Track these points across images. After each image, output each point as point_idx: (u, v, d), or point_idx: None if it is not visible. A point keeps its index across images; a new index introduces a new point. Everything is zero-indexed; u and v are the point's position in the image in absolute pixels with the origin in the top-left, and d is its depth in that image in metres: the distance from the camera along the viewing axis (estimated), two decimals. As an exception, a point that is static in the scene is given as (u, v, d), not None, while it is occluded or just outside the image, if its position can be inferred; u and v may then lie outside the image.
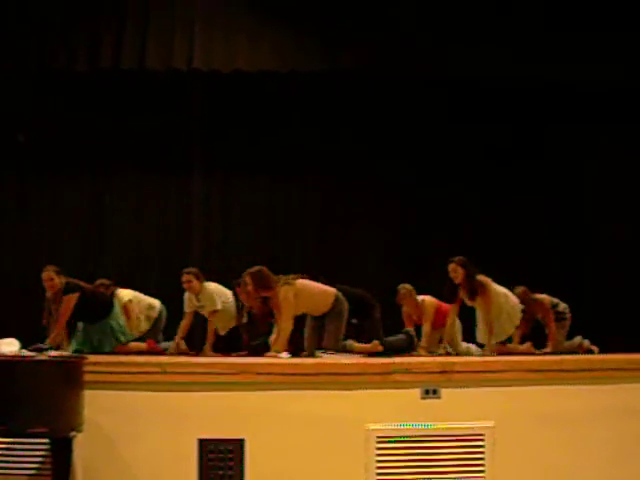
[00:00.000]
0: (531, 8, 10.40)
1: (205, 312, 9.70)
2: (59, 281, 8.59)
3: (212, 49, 10.42)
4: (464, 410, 6.30)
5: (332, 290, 8.57)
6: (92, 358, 6.24)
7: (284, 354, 7.63)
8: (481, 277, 9.12)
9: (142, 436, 6.15)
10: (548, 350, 9.64)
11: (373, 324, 9.26)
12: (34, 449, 6.01)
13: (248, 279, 8.52)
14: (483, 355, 8.90)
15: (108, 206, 11.80)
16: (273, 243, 11.74)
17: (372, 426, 6.21)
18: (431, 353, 9.23)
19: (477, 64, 10.39)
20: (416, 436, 6.22)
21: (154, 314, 9.78)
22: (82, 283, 8.79)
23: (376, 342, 8.96)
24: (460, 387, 6.30)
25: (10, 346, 5.50)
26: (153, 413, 6.16)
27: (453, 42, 10.34)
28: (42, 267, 8.76)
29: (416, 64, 10.45)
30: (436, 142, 11.61)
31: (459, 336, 9.74)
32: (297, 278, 8.46)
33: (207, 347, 9.45)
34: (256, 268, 8.56)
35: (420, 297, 9.89)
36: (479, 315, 9.28)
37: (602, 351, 9.57)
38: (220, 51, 10.43)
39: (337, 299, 8.50)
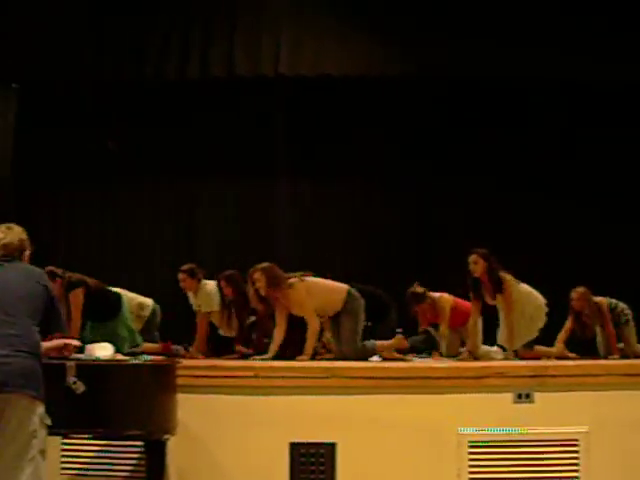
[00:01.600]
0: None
1: (201, 312, 9.19)
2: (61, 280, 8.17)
3: (299, 53, 10.49)
4: (558, 415, 6.22)
5: (344, 287, 8.19)
6: (186, 362, 6.32)
7: (374, 356, 7.45)
8: (503, 273, 8.50)
9: (234, 440, 6.20)
10: (615, 355, 9.02)
11: (389, 326, 8.78)
12: (129, 451, 6.12)
13: (259, 276, 8.05)
14: (506, 359, 8.26)
15: (198, 210, 11.97)
16: (357, 245, 11.74)
17: (464, 430, 6.17)
18: (451, 357, 8.64)
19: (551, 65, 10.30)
20: (509, 441, 6.15)
21: (146, 313, 9.35)
22: (87, 278, 8.48)
23: (399, 336, 8.41)
24: (554, 391, 6.23)
25: (104, 350, 5.56)
26: (245, 417, 6.20)
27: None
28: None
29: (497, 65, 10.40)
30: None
31: (479, 338, 8.89)
32: (304, 276, 8.13)
33: (194, 349, 8.90)
34: (267, 264, 8.12)
35: (436, 294, 9.33)
36: (501, 315, 8.62)
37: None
38: (308, 55, 10.51)
39: (350, 295, 8.12)
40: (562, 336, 9.09)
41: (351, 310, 8.08)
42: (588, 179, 11.25)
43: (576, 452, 6.14)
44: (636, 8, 10.12)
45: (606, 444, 6.16)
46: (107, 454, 6.22)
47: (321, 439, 6.16)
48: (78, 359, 5.20)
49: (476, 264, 8.44)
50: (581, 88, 10.82)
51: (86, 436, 5.87)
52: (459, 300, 9.27)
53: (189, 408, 6.03)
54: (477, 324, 8.66)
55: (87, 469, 6.29)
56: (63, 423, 4.91)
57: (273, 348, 7.89)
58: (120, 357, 5.72)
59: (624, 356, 8.91)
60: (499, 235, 10.59)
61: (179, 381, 5.90)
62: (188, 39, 10.53)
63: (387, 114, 11.43)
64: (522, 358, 8.23)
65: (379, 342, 8.29)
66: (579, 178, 11.27)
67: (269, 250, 10.37)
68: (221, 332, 9.23)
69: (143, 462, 5.95)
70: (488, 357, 8.42)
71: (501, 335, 8.59)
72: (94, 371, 5.19)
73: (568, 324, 9.16)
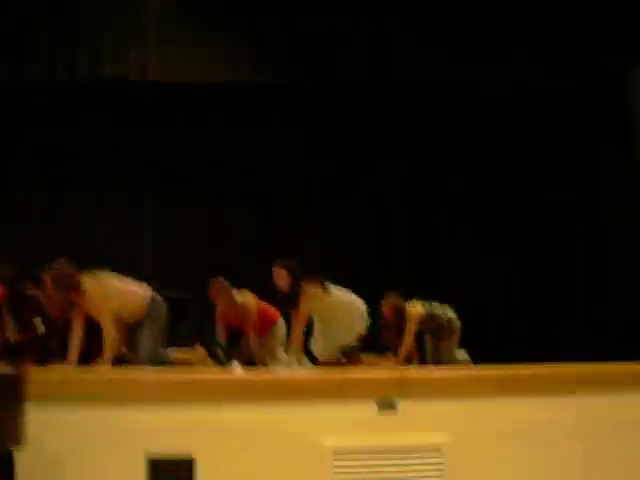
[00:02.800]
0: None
1: None
2: None
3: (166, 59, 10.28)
4: (421, 423, 6.10)
5: (145, 291, 7.68)
6: (35, 373, 5.98)
7: (238, 368, 7.11)
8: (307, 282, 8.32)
9: (90, 455, 5.88)
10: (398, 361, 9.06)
11: (192, 327, 8.59)
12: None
13: (46, 278, 7.40)
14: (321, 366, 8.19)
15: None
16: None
17: (328, 440, 6.01)
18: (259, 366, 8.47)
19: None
20: (373, 450, 6.01)
21: None
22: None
23: (197, 346, 8.15)
24: (417, 399, 6.12)
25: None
26: (98, 429, 5.90)
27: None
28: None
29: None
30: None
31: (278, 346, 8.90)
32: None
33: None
34: (57, 265, 7.44)
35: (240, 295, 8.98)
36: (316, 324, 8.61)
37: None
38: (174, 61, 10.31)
39: (153, 301, 7.66)
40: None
41: (153, 316, 7.61)
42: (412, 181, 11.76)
43: (441, 462, 6.04)
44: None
45: (471, 454, 6.08)
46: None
47: (179, 452, 5.91)
48: None
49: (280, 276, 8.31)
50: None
51: None
52: (265, 304, 9.11)
53: (42, 421, 5.71)
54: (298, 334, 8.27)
55: None
56: None
57: (71, 358, 7.32)
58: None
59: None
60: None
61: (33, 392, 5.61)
62: (54, 40, 10.18)
63: (255, 120, 11.33)
64: (333, 365, 8.18)
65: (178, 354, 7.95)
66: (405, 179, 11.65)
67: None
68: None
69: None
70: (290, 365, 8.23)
71: (313, 343, 8.58)
72: None
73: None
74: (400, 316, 9.23)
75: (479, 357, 8.79)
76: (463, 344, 9.52)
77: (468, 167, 12.06)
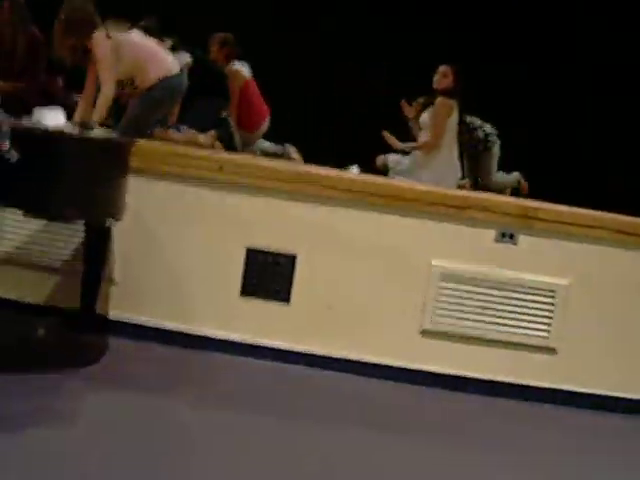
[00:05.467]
0: None
1: None
2: None
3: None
4: (539, 262, 5.71)
5: (173, 64, 6.46)
6: (143, 144, 5.72)
7: (354, 169, 6.70)
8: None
9: (186, 233, 5.72)
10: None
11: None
12: (71, 234, 5.64)
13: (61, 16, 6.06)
14: None
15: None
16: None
17: (437, 262, 5.69)
18: None
19: None
20: (483, 280, 5.67)
21: None
22: None
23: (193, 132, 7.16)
24: (540, 237, 5.70)
25: (55, 118, 4.96)
26: (201, 211, 5.70)
27: None
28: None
29: None
30: None
31: None
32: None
33: None
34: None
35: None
36: None
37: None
38: None
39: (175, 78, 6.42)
40: None
41: (154, 95, 6.36)
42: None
43: (552, 304, 5.67)
44: None
45: (586, 301, 5.70)
46: (47, 235, 5.75)
47: (280, 248, 5.68)
48: (17, 123, 4.64)
49: None
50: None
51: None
52: None
53: (143, 194, 5.54)
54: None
55: (25, 248, 5.83)
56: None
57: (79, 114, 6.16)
58: (70, 128, 5.10)
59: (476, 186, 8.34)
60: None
61: (135, 164, 5.39)
62: None
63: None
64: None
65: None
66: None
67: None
68: None
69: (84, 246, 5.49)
70: None
71: None
72: (33, 139, 4.59)
73: None
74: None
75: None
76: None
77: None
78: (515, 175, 9.04)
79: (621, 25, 10.41)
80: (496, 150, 8.78)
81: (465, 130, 8.38)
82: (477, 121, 8.71)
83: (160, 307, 5.73)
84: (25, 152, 4.39)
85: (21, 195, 4.56)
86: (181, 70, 6.46)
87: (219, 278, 5.72)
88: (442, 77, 7.81)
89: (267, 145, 8.69)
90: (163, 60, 6.37)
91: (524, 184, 9.03)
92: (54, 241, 5.75)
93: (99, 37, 6.00)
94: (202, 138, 7.16)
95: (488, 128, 8.72)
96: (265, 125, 8.60)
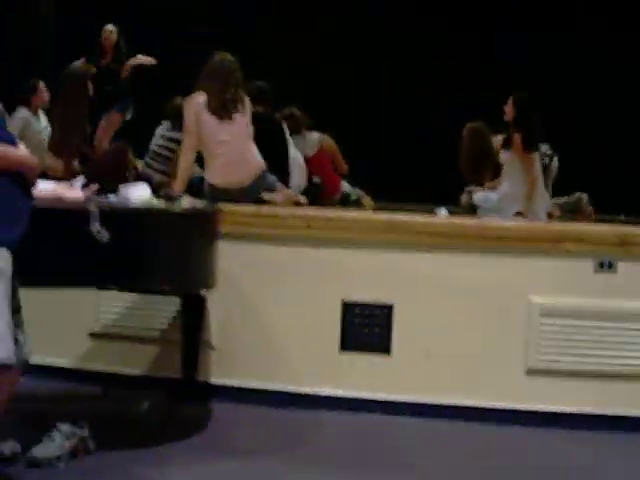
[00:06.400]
0: None
1: None
2: None
3: None
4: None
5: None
6: (229, 209, 5.72)
7: (443, 210, 6.60)
8: None
9: (279, 293, 5.70)
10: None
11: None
12: (166, 306, 5.68)
13: None
14: None
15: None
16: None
17: (536, 299, 5.56)
18: None
19: None
20: (585, 312, 5.52)
21: None
22: None
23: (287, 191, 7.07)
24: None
25: (140, 192, 4.98)
26: (293, 269, 5.67)
27: None
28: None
29: None
30: None
31: None
32: None
33: None
34: None
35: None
36: None
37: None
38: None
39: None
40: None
41: None
42: None
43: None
44: None
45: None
46: (143, 306, 5.79)
47: (377, 298, 5.62)
48: (104, 202, 4.67)
49: None
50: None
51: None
52: None
53: (235, 258, 5.54)
54: None
55: (122, 320, 5.88)
56: (87, 276, 4.45)
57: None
58: (156, 202, 5.11)
59: None
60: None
61: (226, 229, 5.41)
62: None
63: None
64: None
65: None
66: None
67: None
68: None
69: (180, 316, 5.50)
70: None
71: None
72: (122, 218, 4.63)
73: None
74: None
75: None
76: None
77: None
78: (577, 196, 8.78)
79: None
80: (554, 168, 8.59)
81: None
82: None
83: (260, 368, 5.71)
84: (115, 230, 4.40)
85: (115, 274, 4.57)
86: None
87: (317, 334, 5.68)
88: (507, 108, 7.65)
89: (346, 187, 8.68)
90: None
91: (587, 209, 8.73)
92: (150, 312, 5.80)
93: None
94: (302, 198, 7.23)
95: (545, 148, 8.53)
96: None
